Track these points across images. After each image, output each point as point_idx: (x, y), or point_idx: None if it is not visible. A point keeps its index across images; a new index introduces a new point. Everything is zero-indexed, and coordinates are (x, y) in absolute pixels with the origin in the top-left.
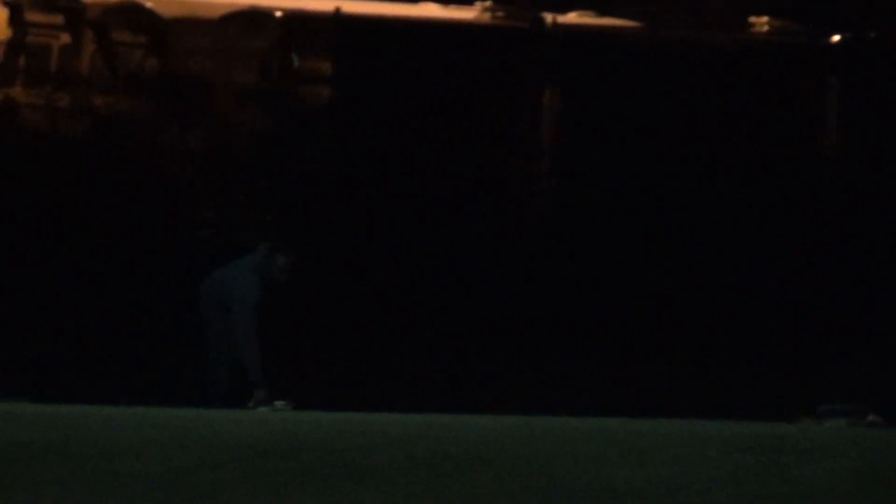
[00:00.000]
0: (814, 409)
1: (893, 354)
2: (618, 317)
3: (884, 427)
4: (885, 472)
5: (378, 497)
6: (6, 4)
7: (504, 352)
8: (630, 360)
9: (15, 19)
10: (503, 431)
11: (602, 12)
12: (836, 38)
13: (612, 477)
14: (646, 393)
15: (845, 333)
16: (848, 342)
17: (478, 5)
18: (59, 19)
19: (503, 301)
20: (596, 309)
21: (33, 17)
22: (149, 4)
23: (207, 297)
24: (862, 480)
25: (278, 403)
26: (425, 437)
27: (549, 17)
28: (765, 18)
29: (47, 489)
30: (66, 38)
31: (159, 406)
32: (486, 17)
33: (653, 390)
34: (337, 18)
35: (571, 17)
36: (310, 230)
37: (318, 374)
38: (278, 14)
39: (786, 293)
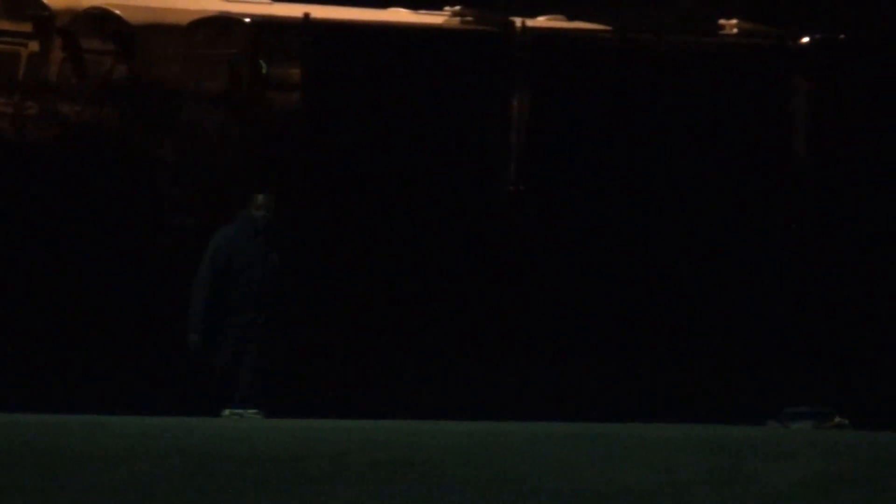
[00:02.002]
0: (781, 412)
1: (858, 357)
2: (589, 322)
3: (850, 429)
4: (851, 474)
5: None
6: None
7: (478, 354)
8: (603, 365)
9: None
10: (478, 436)
11: (571, 16)
12: (805, 40)
13: (588, 480)
14: (619, 398)
15: (811, 337)
16: (813, 346)
17: (448, 10)
18: (28, 27)
19: (470, 300)
20: (565, 312)
21: (1, 24)
22: (117, 11)
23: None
24: (830, 483)
25: (250, 412)
26: (391, 442)
27: (518, 21)
28: (734, 21)
29: (33, 497)
30: (33, 45)
31: (132, 415)
32: (456, 21)
33: (625, 395)
34: (306, 24)
35: (541, 21)
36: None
37: (289, 383)
38: (247, 20)
39: (753, 299)
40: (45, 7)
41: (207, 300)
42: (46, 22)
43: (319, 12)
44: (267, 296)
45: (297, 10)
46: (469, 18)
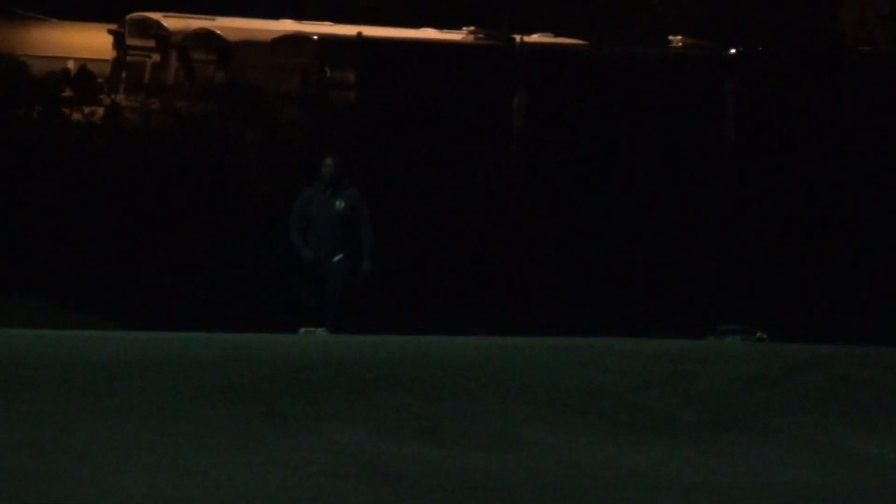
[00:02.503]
0: (715, 329)
1: (775, 286)
2: (571, 263)
3: (769, 341)
4: (769, 375)
5: (378, 399)
6: (111, 32)
7: (485, 289)
8: (578, 292)
9: (118, 43)
10: (478, 349)
11: (557, 34)
12: (733, 51)
13: (565, 382)
14: (590, 317)
15: (739, 269)
16: (741, 276)
17: (464, 29)
18: (151, 43)
19: (483, 252)
20: (552, 259)
21: (132, 41)
22: (218, 31)
23: None
24: (753, 382)
25: (319, 329)
26: (417, 354)
27: (517, 38)
28: (679, 37)
29: (150, 402)
30: (156, 56)
31: (220, 331)
32: (471, 38)
33: (599, 316)
34: (359, 40)
35: (535, 38)
36: None
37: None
38: (315, 37)
39: (696, 244)
40: (164, 28)
41: (300, 236)
42: (165, 39)
43: (370, 31)
44: (334, 237)
45: (352, 30)
46: (480, 35)
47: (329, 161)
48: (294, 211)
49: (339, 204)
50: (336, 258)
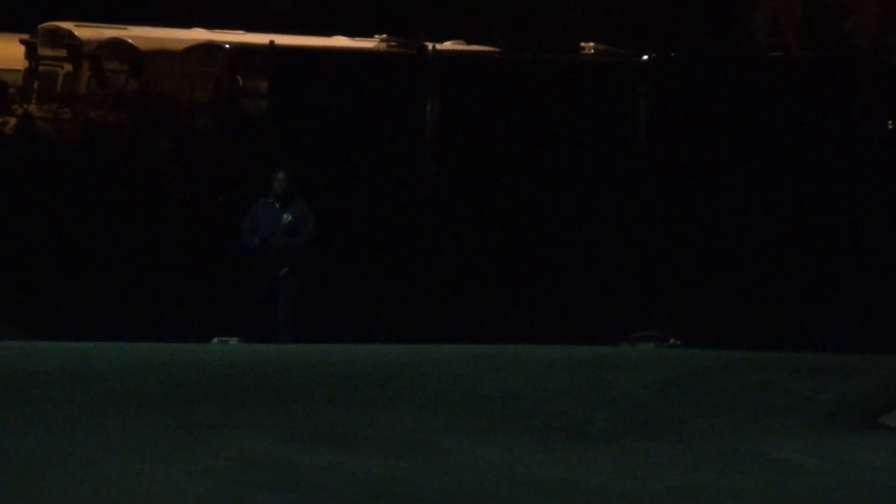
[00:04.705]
0: (628, 336)
1: (687, 294)
2: (484, 267)
3: (682, 348)
4: (683, 381)
5: (292, 407)
6: (23, 42)
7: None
8: (491, 300)
9: (30, 53)
10: (392, 357)
11: (469, 41)
12: (645, 57)
13: (483, 388)
14: (503, 325)
15: (652, 275)
16: (654, 286)
17: (377, 37)
18: (63, 53)
19: (397, 259)
20: (468, 262)
21: (44, 51)
22: (130, 40)
23: None
24: (667, 388)
25: (232, 340)
26: (334, 361)
27: (430, 45)
28: (591, 43)
29: (59, 407)
30: (68, 66)
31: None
32: (383, 46)
33: (509, 323)
34: (271, 49)
35: (447, 45)
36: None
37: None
38: (227, 46)
39: (609, 250)
40: (77, 38)
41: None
42: (77, 49)
43: (281, 40)
44: (280, 247)
45: (264, 39)
46: (393, 43)
47: (280, 175)
48: (246, 218)
49: (287, 217)
50: (282, 272)
